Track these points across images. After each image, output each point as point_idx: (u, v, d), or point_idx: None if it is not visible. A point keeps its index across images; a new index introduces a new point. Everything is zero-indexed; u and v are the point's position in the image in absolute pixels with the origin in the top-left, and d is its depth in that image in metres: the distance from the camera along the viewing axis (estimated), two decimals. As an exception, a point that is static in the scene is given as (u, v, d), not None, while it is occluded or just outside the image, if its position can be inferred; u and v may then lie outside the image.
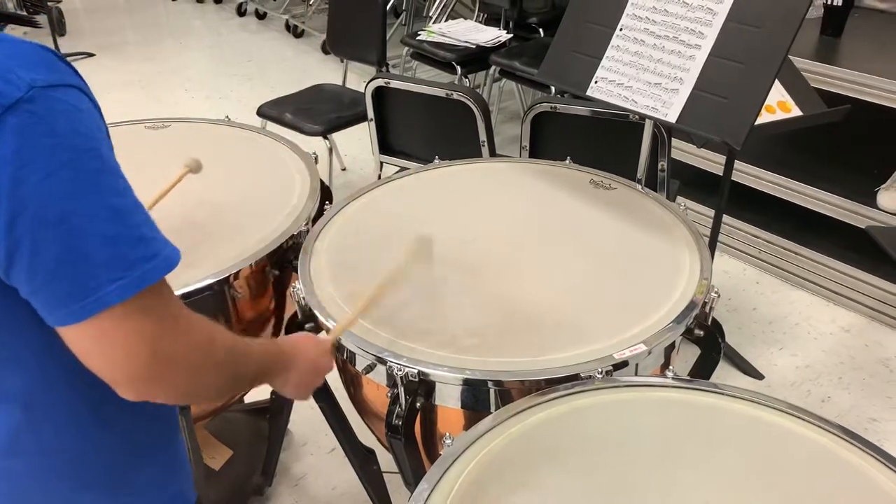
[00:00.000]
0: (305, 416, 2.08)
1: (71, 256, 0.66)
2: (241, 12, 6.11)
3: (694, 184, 2.80)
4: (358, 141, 3.68)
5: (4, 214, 0.64)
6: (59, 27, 5.29)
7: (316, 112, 3.09)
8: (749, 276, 2.86)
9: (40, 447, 0.81)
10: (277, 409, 1.92)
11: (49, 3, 4.94)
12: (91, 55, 5.15)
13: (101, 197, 0.68)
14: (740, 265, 2.92)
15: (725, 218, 2.70)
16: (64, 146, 0.65)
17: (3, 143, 0.63)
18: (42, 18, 5.13)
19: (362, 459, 1.54)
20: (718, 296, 1.34)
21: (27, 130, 0.64)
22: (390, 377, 1.18)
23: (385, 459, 1.57)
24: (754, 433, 1.03)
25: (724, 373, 2.36)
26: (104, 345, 0.70)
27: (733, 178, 2.48)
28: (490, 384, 1.16)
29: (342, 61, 3.63)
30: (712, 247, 2.25)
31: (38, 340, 0.75)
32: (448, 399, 1.19)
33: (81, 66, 5.00)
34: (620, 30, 1.65)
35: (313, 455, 2.10)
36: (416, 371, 1.15)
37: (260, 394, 1.91)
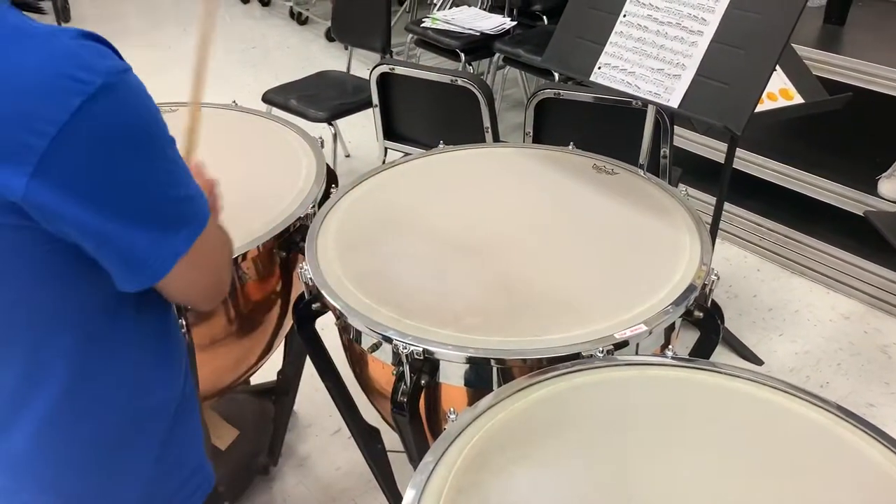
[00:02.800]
0: (310, 398, 2.12)
1: (157, 219, 0.76)
2: (244, -1, 6.11)
3: (696, 171, 2.82)
4: (362, 128, 3.70)
5: (95, 195, 0.71)
6: (63, 13, 5.30)
7: (320, 98, 3.11)
8: (750, 264, 2.88)
9: (85, 406, 0.85)
10: (283, 391, 1.95)
11: (54, -11, 4.94)
12: (96, 41, 5.15)
13: (169, 162, 0.78)
14: (741, 252, 2.94)
15: (727, 205, 2.72)
16: (143, 124, 0.74)
17: (92, 129, 0.69)
18: (47, 5, 5.14)
19: (367, 438, 1.56)
20: (718, 278, 1.36)
21: (112, 114, 0.70)
22: (396, 355, 1.20)
23: (389, 439, 1.60)
24: (752, 410, 1.05)
25: (723, 358, 2.39)
26: (194, 276, 0.84)
27: (735, 165, 2.50)
28: (493, 362, 1.18)
29: (346, 48, 3.65)
30: (713, 234, 2.27)
31: (87, 302, 0.81)
32: (452, 377, 1.21)
33: (86, 52, 5.02)
34: (624, 16, 1.67)
35: (318, 436, 2.13)
36: (421, 349, 1.18)
37: (266, 375, 1.94)
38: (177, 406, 0.94)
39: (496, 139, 2.50)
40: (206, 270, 0.86)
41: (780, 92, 2.10)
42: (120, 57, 0.75)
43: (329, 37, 5.09)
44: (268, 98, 3.13)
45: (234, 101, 2.04)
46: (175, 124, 1.93)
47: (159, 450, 0.92)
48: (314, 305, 1.38)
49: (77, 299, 0.80)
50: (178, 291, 0.85)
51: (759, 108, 1.90)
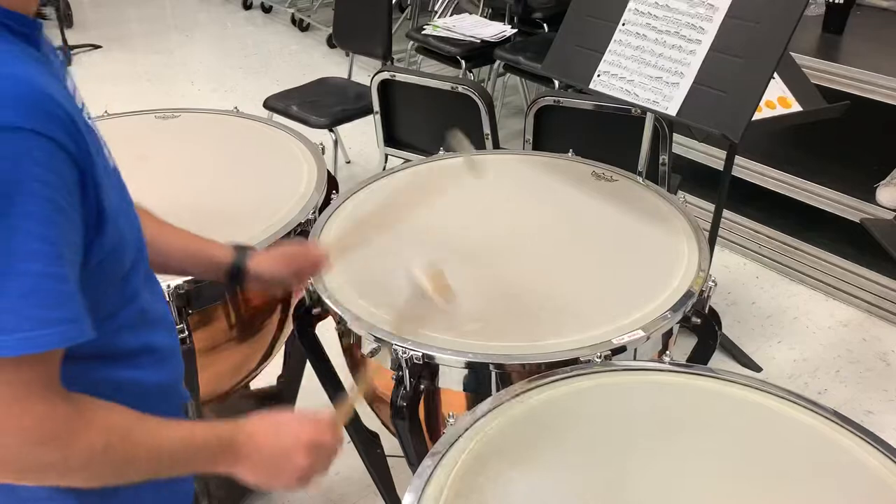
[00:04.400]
0: (310, 403, 2.11)
1: None
2: (246, 5, 6.13)
3: (695, 179, 2.83)
4: (362, 134, 3.71)
5: None
6: (66, 19, 5.32)
7: (321, 105, 3.12)
8: (749, 271, 2.89)
9: None
10: (283, 395, 1.96)
11: (56, -5, 4.97)
12: (98, 47, 5.17)
13: None
14: (740, 260, 2.95)
15: (726, 213, 2.73)
16: None
17: None
18: (49, 11, 5.16)
19: (367, 442, 1.57)
20: (716, 285, 1.37)
21: None
22: (395, 360, 1.21)
23: (388, 445, 1.60)
24: (750, 416, 1.06)
25: (722, 365, 2.39)
26: None
27: (734, 173, 2.51)
28: (492, 367, 1.19)
29: (348, 55, 3.66)
30: (712, 241, 2.28)
31: None
32: (451, 382, 1.22)
33: (88, 57, 5.03)
34: (623, 24, 1.68)
35: (317, 441, 2.13)
36: (420, 354, 1.19)
37: (266, 380, 1.95)
38: None
39: (496, 146, 2.51)
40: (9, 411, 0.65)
41: (778, 100, 2.11)
42: (65, 116, 0.66)
43: (330, 43, 5.11)
44: (269, 104, 3.14)
45: (236, 108, 2.06)
46: (174, 131, 1.95)
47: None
48: (314, 311, 1.39)
49: None
50: None
51: (758, 116, 1.92)
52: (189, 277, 1.35)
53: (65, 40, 4.90)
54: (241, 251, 1.12)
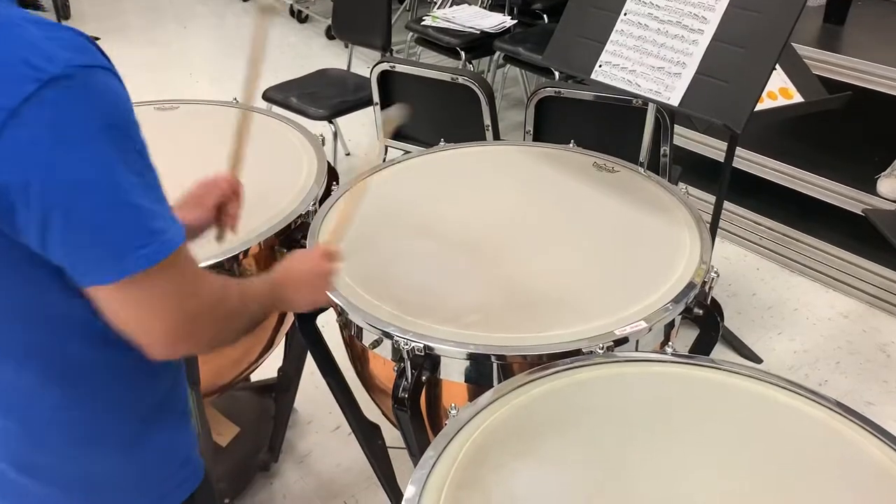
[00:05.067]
0: (311, 395, 2.12)
1: (102, 225, 0.71)
2: (244, -3, 6.11)
3: (695, 170, 2.82)
4: (361, 126, 3.70)
5: (38, 183, 0.68)
6: (63, 10, 5.29)
7: (321, 96, 3.11)
8: (749, 262, 2.89)
9: (54, 403, 0.84)
10: (284, 387, 1.96)
11: (54, -14, 4.94)
12: (96, 39, 5.14)
13: (129, 171, 0.72)
14: (741, 251, 2.95)
15: (726, 204, 2.72)
16: (98, 121, 0.70)
17: (41, 116, 0.67)
18: (46, 1, 5.14)
19: (368, 434, 1.57)
20: (718, 276, 1.36)
21: (64, 104, 0.68)
22: (396, 351, 1.21)
23: (390, 436, 1.60)
24: (752, 407, 1.06)
25: (722, 356, 2.39)
26: (135, 308, 0.76)
27: (735, 164, 2.50)
28: (493, 358, 1.19)
29: (347, 46, 3.65)
30: (713, 232, 2.28)
31: (58, 301, 0.78)
32: (452, 373, 1.22)
33: (86, 49, 5.01)
34: (625, 14, 1.67)
35: (318, 433, 2.14)
36: (421, 345, 1.18)
37: (266, 372, 1.95)
38: (161, 398, 0.94)
39: (497, 137, 2.50)
40: (159, 311, 0.77)
41: (779, 91, 2.10)
42: (105, 57, 0.74)
43: (329, 35, 5.09)
44: (268, 96, 3.13)
45: (235, 99, 2.04)
46: (173, 122, 1.94)
47: (138, 439, 0.92)
48: (316, 301, 1.38)
49: (49, 298, 0.78)
50: (120, 320, 0.77)
51: (759, 107, 1.91)
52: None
53: (62, 32, 4.87)
54: None
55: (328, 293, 1.19)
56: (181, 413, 0.99)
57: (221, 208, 1.21)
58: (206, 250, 1.40)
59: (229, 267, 1.43)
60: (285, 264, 1.07)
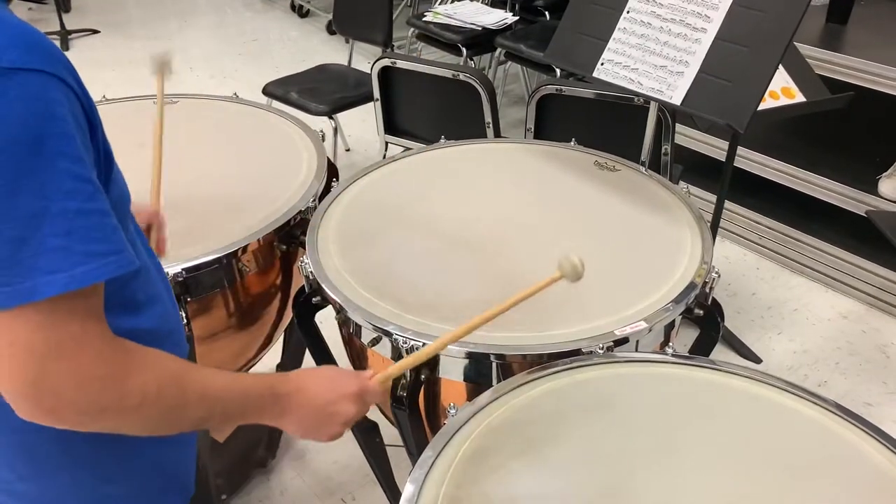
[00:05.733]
0: (309, 392, 2.11)
1: None
2: (245, -9, 6.10)
3: (697, 169, 2.82)
4: (362, 122, 3.69)
5: None
6: (63, 4, 5.28)
7: (321, 92, 3.10)
8: (749, 262, 2.88)
9: (17, 425, 0.77)
10: (281, 384, 1.95)
11: (54, -21, 4.92)
12: (96, 32, 5.14)
13: (21, 194, 0.63)
14: (741, 251, 2.94)
15: (727, 203, 2.72)
16: (1, 133, 0.62)
17: None
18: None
19: (365, 432, 1.56)
20: (719, 276, 1.36)
21: None
22: (395, 349, 1.20)
23: (388, 434, 1.60)
24: (751, 408, 1.05)
25: (722, 356, 2.39)
26: None
27: (736, 164, 2.49)
28: (492, 358, 1.18)
29: (348, 41, 3.64)
30: (714, 232, 2.27)
31: None
32: (452, 372, 1.21)
33: (86, 42, 5.00)
34: (627, 12, 1.66)
35: (316, 430, 2.13)
36: (421, 344, 1.18)
37: (265, 368, 1.94)
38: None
39: (497, 135, 2.50)
40: (8, 364, 0.65)
41: (782, 90, 2.09)
42: (58, 59, 0.67)
43: (330, 30, 5.08)
44: (268, 91, 3.12)
45: (235, 94, 2.04)
46: (172, 116, 1.93)
47: (112, 463, 0.88)
48: (314, 299, 1.38)
49: None
50: None
51: (762, 107, 1.90)
52: (188, 265, 1.35)
53: (63, 25, 4.86)
54: None
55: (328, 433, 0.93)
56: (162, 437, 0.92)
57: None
58: (203, 246, 1.40)
59: (228, 263, 1.42)
60: (305, 380, 0.89)
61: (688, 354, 1.17)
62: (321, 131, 1.83)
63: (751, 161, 2.80)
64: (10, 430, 0.81)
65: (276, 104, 2.99)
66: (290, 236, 1.53)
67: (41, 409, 0.68)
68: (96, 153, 0.71)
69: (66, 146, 0.65)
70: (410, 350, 1.18)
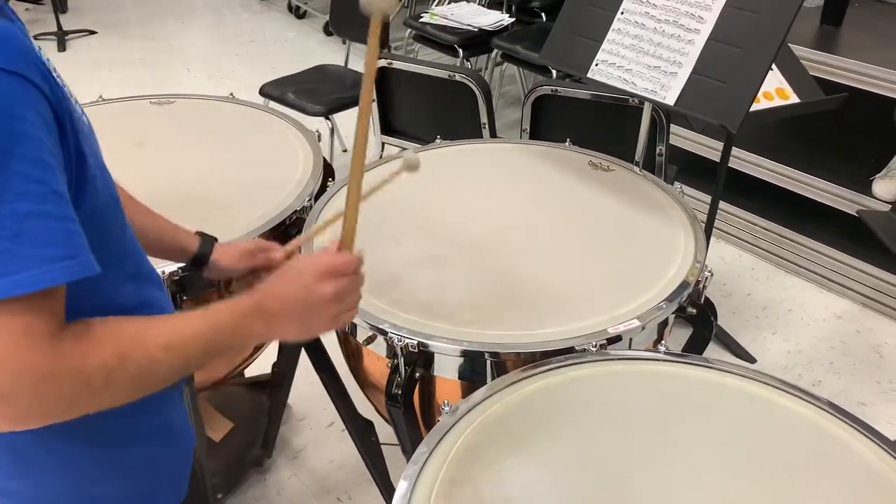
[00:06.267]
0: (305, 392, 2.12)
1: None
2: (242, -8, 6.10)
3: (691, 170, 2.83)
4: (359, 122, 3.69)
5: None
6: (60, 4, 5.28)
7: (318, 92, 3.11)
8: (744, 262, 2.89)
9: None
10: (277, 383, 1.96)
11: (51, -20, 4.92)
12: (93, 32, 5.14)
13: None
14: (736, 251, 2.95)
15: (722, 204, 2.73)
16: None
17: None
18: (44, -5, 5.11)
19: (361, 430, 1.57)
20: (711, 275, 1.37)
21: None
22: (390, 348, 1.21)
23: (383, 432, 1.60)
24: (744, 406, 1.06)
25: (716, 356, 2.39)
26: None
27: (730, 164, 2.50)
28: (487, 356, 1.19)
29: (344, 42, 3.65)
30: (708, 232, 2.28)
31: None
32: (446, 370, 1.22)
33: (83, 43, 5.00)
34: (622, 13, 1.67)
35: (312, 429, 2.14)
36: (415, 342, 1.18)
37: (260, 368, 1.95)
38: (129, 420, 0.87)
39: (493, 135, 2.50)
40: (13, 367, 0.64)
41: (776, 91, 2.10)
42: (32, 58, 0.66)
43: (327, 31, 5.09)
44: (265, 91, 3.13)
45: (232, 94, 2.04)
46: (169, 116, 1.94)
47: (103, 462, 0.87)
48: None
49: None
50: None
51: (756, 107, 1.91)
52: (184, 263, 1.35)
53: (59, 25, 4.86)
54: (207, 240, 1.16)
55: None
56: (157, 429, 0.93)
57: (255, 272, 1.17)
58: (201, 245, 1.40)
59: (224, 262, 1.43)
60: (272, 282, 0.86)
61: (681, 353, 1.18)
62: (317, 132, 1.83)
63: (745, 162, 2.81)
64: None
65: (273, 105, 2.99)
66: (286, 235, 1.53)
67: (4, 419, 0.66)
68: (66, 155, 0.70)
69: (22, 146, 0.63)
70: (405, 348, 1.19)
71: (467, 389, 1.21)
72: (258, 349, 1.73)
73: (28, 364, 0.65)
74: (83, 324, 0.71)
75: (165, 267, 1.33)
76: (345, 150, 3.65)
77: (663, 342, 1.23)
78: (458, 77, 2.40)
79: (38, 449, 0.83)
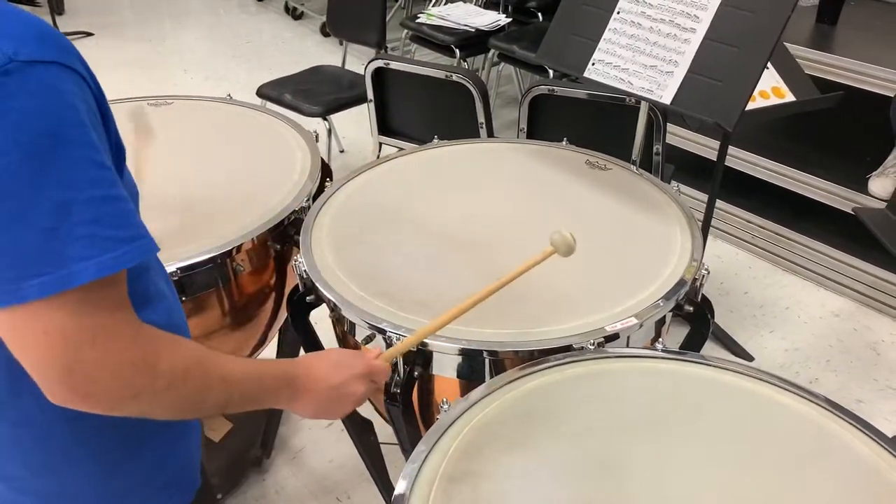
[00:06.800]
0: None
1: (5, 238, 0.64)
2: (239, -7, 6.10)
3: (688, 168, 2.83)
4: (355, 123, 3.70)
5: None
6: (57, 6, 5.27)
7: (315, 93, 3.11)
8: (741, 261, 2.90)
9: (20, 419, 0.81)
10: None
11: (47, -18, 4.92)
12: (89, 34, 5.14)
13: (47, 186, 0.64)
14: (733, 250, 2.96)
15: (719, 203, 2.74)
16: (24, 126, 0.63)
17: None
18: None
19: (360, 430, 1.57)
20: (708, 273, 1.37)
21: None
22: (388, 347, 1.21)
23: (382, 432, 1.61)
24: (742, 403, 1.07)
25: (714, 354, 2.40)
26: (21, 340, 0.67)
27: (727, 163, 2.51)
28: (485, 354, 1.19)
29: (341, 43, 3.65)
30: (705, 231, 2.29)
31: None
32: (445, 368, 1.22)
33: (79, 44, 4.99)
34: (618, 13, 1.68)
35: (311, 429, 2.14)
36: (414, 341, 1.18)
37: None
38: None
39: (490, 135, 2.51)
40: (44, 351, 0.66)
41: (772, 90, 2.11)
42: (71, 50, 0.68)
43: (324, 32, 5.09)
44: (262, 92, 3.13)
45: (229, 95, 2.05)
46: (167, 118, 1.94)
47: (119, 459, 0.89)
48: (308, 298, 1.39)
49: None
50: (11, 349, 0.68)
51: (752, 106, 1.92)
52: (183, 264, 1.36)
53: (56, 27, 4.86)
54: None
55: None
56: (169, 428, 0.94)
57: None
58: (198, 245, 1.41)
59: (222, 262, 1.43)
60: (313, 363, 0.92)
61: (678, 350, 1.19)
62: (315, 132, 1.84)
63: (742, 160, 2.81)
64: (28, 423, 0.82)
65: (271, 105, 2.99)
66: (284, 236, 1.54)
67: (77, 394, 0.69)
68: (110, 144, 0.73)
69: (85, 136, 0.66)
70: (403, 347, 1.19)
71: (466, 387, 1.21)
72: (257, 349, 1.74)
73: (114, 347, 0.68)
74: (155, 328, 0.74)
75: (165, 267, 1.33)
76: (342, 151, 3.66)
77: (661, 340, 1.24)
78: (454, 77, 2.40)
79: (74, 443, 0.85)
